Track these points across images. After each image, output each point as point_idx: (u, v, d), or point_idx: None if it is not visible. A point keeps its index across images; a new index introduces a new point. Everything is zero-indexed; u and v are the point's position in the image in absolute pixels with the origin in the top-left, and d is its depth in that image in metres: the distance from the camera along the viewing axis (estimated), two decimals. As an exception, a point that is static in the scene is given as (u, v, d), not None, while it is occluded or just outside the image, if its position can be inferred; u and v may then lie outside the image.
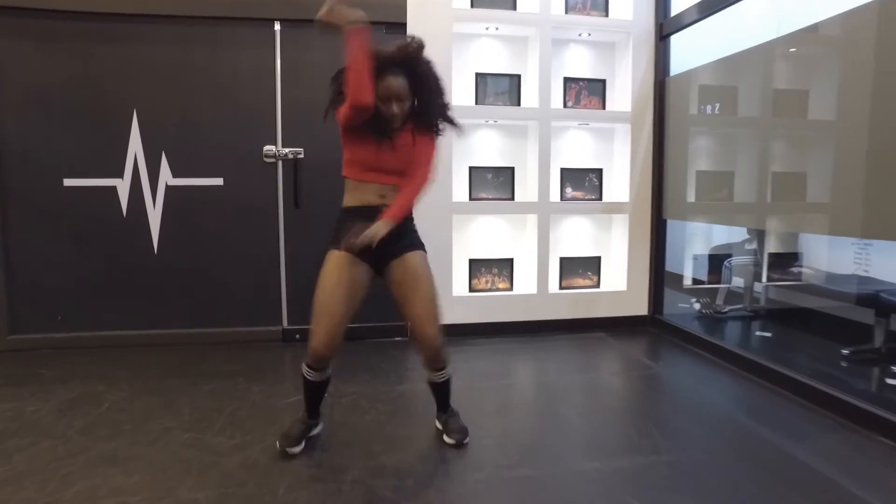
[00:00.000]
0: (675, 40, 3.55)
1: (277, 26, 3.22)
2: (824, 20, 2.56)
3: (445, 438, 2.04)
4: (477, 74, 3.50)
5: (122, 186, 3.20)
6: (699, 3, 3.28)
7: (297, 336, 3.38)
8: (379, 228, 1.79)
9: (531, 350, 3.34)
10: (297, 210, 3.31)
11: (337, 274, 1.86)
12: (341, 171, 2.00)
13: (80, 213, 3.18)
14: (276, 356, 3.18)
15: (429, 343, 1.89)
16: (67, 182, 3.15)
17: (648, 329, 3.74)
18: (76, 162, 3.15)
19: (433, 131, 1.95)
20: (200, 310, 3.32)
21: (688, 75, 3.46)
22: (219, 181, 3.26)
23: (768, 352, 3.37)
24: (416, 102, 1.90)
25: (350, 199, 1.95)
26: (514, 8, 3.49)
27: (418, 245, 1.99)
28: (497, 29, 3.49)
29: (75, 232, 3.19)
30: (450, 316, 3.15)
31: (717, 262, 4.22)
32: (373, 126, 1.82)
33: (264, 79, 3.24)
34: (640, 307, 3.76)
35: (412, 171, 1.94)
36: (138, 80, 3.16)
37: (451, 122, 1.95)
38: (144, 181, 3.21)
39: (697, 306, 4.10)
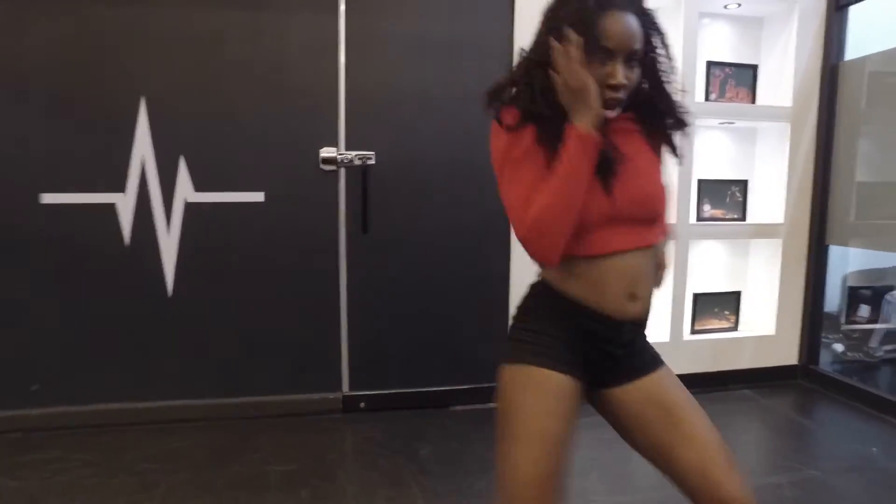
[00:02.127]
0: (856, 13, 2.73)
1: (342, -18, 2.34)
2: None
3: None
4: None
5: (125, 203, 2.29)
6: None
7: (363, 405, 2.52)
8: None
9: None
10: (366, 236, 2.44)
11: (554, 419, 0.97)
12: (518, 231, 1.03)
13: (64, 241, 2.26)
14: (339, 439, 2.32)
15: None
16: (46, 198, 2.24)
17: (801, 383, 2.93)
18: (59, 170, 2.24)
19: (668, 133, 1.07)
20: (231, 373, 2.42)
21: (871, 60, 2.65)
22: (258, 196, 2.37)
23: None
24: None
25: (569, 283, 1.02)
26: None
27: (656, 354, 1.11)
28: (626, -5, 2.63)
29: (58, 267, 2.28)
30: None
31: (858, 292, 3.43)
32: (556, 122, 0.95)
33: (323, 56, 2.35)
34: (790, 355, 2.94)
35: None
36: (148, 57, 2.25)
37: (682, 119, 1.08)
38: (155, 196, 2.31)
39: (840, 348, 3.31)
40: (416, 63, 2.42)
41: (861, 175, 2.76)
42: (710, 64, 2.76)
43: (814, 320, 2.93)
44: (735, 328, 2.98)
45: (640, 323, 1.05)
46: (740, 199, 2.90)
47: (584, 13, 0.93)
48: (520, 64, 1.04)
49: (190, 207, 2.33)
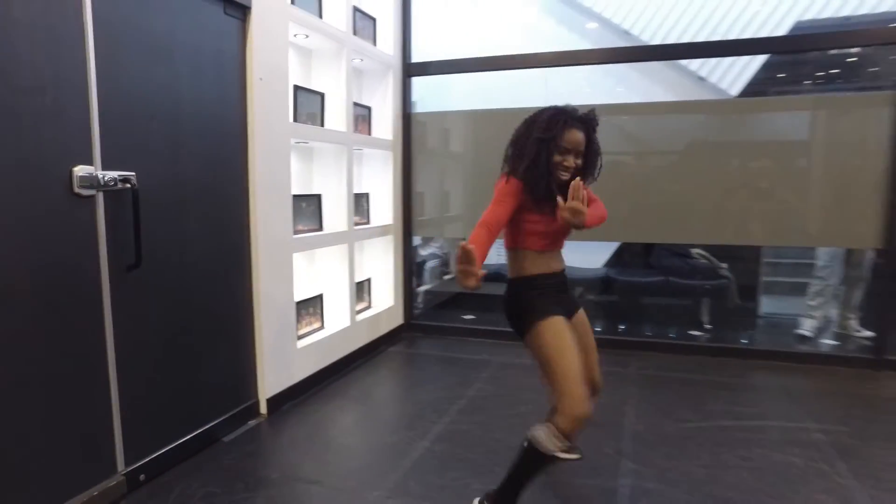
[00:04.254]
0: (418, 81, 4.03)
1: (90, -45, 1.80)
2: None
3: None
4: (296, 88, 2.94)
5: None
6: (436, 61, 3.93)
7: (143, 476, 2.07)
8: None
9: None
10: (133, 274, 2.00)
11: (569, 336, 1.75)
12: (506, 242, 1.87)
13: None
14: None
15: (599, 387, 1.97)
16: None
17: (408, 334, 4.16)
18: None
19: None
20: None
21: (424, 115, 4.06)
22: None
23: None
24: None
25: (533, 266, 1.84)
26: (320, 16, 3.11)
27: (577, 301, 2.01)
28: (307, 37, 3.02)
29: None
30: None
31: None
32: (544, 190, 1.76)
33: (62, 39, 1.76)
34: (400, 316, 4.12)
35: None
36: None
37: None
38: None
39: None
40: (165, 68, 2.13)
41: (419, 188, 4.15)
42: (354, 104, 3.49)
43: (409, 290, 4.19)
44: (370, 307, 3.89)
45: (564, 273, 1.90)
46: (366, 207, 3.79)
47: (556, 128, 1.74)
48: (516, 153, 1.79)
49: None
